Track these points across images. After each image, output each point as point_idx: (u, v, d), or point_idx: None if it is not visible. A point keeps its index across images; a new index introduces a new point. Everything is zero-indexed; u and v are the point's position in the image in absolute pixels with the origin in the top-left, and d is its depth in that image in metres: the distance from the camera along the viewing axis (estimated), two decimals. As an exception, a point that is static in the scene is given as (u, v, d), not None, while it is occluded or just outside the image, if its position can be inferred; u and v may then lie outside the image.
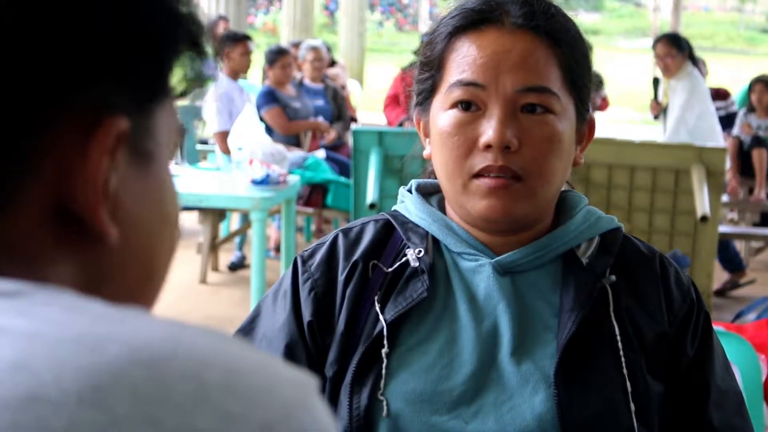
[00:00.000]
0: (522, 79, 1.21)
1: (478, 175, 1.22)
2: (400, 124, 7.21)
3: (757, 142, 7.37)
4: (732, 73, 17.79)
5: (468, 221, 1.29)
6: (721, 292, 6.38)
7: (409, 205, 1.35)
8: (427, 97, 1.30)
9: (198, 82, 0.62)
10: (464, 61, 1.24)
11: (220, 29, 8.67)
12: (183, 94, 0.62)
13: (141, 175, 0.59)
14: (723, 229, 6.19)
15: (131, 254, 0.60)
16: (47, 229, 0.55)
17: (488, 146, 1.21)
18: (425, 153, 1.33)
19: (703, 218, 4.80)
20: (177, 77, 0.60)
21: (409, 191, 1.38)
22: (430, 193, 1.37)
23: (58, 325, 0.49)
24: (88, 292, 0.57)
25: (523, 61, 1.22)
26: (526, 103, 1.22)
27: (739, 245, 7.13)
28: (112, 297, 0.59)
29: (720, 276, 6.40)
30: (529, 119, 1.22)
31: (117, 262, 0.59)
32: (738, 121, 7.65)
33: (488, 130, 1.21)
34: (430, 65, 1.29)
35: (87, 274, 0.58)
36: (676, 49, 6.41)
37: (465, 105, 1.23)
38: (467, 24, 1.25)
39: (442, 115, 1.25)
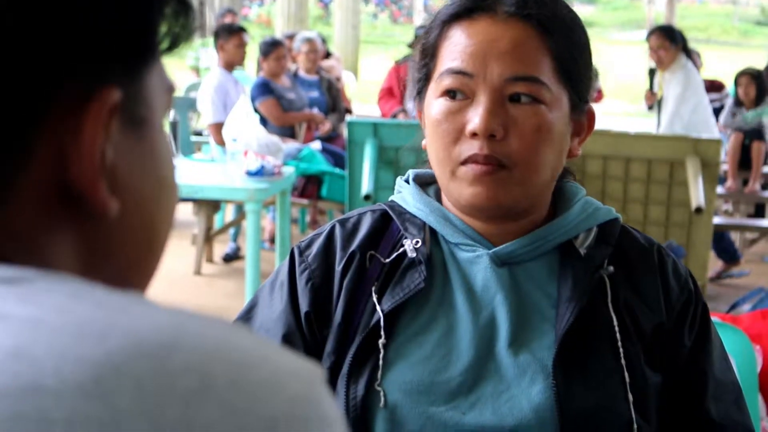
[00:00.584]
0: (510, 68, 1.21)
1: (465, 162, 1.22)
2: (394, 116, 7.20)
3: (759, 135, 7.37)
4: (726, 65, 17.79)
5: (460, 209, 1.29)
6: (712, 281, 6.39)
7: (406, 195, 1.35)
8: (423, 85, 1.30)
9: (184, 35, 0.61)
10: (455, 49, 1.24)
11: (227, 21, 8.67)
12: (169, 50, 0.60)
13: (135, 143, 0.58)
14: (718, 220, 6.20)
15: (132, 225, 0.59)
16: (48, 211, 0.55)
17: (474, 134, 1.21)
18: (423, 142, 1.33)
19: (698, 210, 4.80)
20: (162, 33, 0.59)
21: (407, 181, 1.37)
22: (427, 183, 1.37)
23: (60, 313, 0.48)
24: (92, 268, 0.57)
25: (512, 50, 1.21)
26: (514, 93, 1.22)
27: (734, 236, 7.15)
28: (116, 269, 0.59)
29: (713, 265, 6.41)
30: (516, 108, 1.22)
31: (119, 234, 0.58)
32: (727, 111, 7.64)
33: (474, 118, 1.21)
34: (426, 53, 1.29)
35: (90, 249, 0.57)
36: (669, 42, 6.40)
37: (453, 93, 1.23)
38: (461, 12, 1.25)
39: (434, 103, 1.26)
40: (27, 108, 0.53)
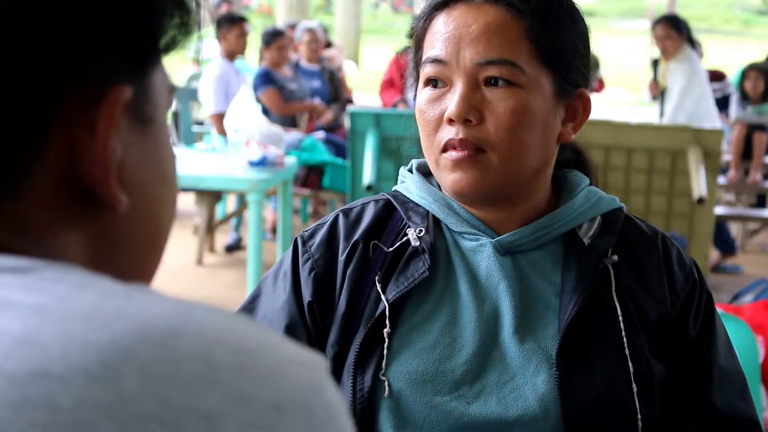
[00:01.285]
0: (481, 53, 1.21)
1: (444, 149, 1.23)
2: (394, 106, 7.20)
3: (760, 126, 7.37)
4: (728, 55, 17.75)
5: (453, 197, 1.29)
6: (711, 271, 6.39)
7: (409, 184, 1.35)
8: (416, 77, 1.31)
9: (184, 35, 0.61)
10: (434, 38, 1.25)
11: (223, 11, 8.64)
12: (168, 49, 0.61)
13: (142, 140, 0.59)
14: (719, 210, 6.20)
15: (137, 220, 0.60)
16: (59, 206, 0.55)
17: (451, 120, 1.22)
18: (423, 133, 1.34)
19: (700, 200, 4.80)
20: (165, 33, 0.60)
21: (410, 171, 1.37)
22: (430, 173, 1.37)
23: (67, 301, 0.49)
24: (98, 262, 0.58)
25: (483, 34, 1.22)
26: (489, 77, 1.22)
27: (735, 227, 7.14)
28: (121, 265, 0.60)
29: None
30: (492, 92, 1.22)
31: (125, 230, 0.59)
32: (737, 105, 7.63)
33: (450, 105, 1.22)
34: (415, 45, 1.31)
35: (97, 244, 0.58)
36: (675, 32, 6.39)
37: (435, 82, 1.25)
38: (441, 2, 1.26)
39: (420, 94, 1.27)
40: (39, 106, 0.53)
